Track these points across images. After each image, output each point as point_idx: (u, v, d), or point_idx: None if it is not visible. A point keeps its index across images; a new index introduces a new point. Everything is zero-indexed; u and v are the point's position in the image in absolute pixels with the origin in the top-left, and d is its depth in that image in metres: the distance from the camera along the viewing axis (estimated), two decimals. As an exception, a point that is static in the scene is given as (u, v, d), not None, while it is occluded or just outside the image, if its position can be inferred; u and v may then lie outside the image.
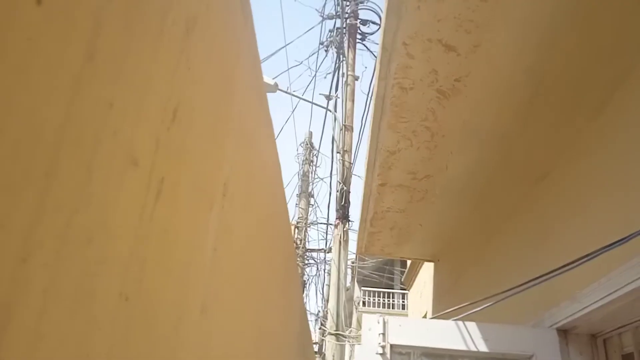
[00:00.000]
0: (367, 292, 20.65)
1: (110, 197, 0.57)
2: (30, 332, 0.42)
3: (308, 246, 14.55)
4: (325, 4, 11.41)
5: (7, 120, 0.39)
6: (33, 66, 0.42)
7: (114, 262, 0.58)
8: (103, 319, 0.55)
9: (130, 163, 0.63)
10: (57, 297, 0.46)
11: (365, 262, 17.33)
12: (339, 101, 9.84)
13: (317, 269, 14.33)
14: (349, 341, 8.68)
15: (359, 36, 9.90)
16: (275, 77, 10.44)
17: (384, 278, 20.46)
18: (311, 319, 13.90)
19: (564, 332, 2.33)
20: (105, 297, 0.56)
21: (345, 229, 8.49)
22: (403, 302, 19.83)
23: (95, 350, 0.53)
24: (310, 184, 14.94)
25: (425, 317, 5.32)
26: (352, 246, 8.24)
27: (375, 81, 2.39)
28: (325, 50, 11.01)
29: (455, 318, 2.53)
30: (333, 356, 8.14)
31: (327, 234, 13.57)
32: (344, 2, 10.01)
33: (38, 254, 0.43)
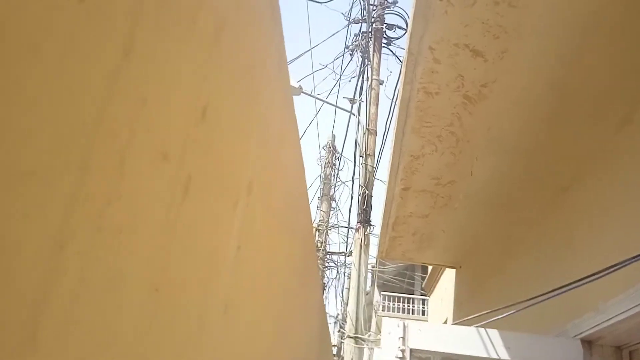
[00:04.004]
0: (387, 297, 20.55)
1: (140, 191, 0.59)
2: (65, 316, 0.44)
3: (329, 249, 14.55)
4: (351, 8, 11.44)
5: (47, 113, 0.41)
6: (73, 61, 0.43)
7: (143, 253, 0.60)
8: (133, 307, 0.57)
9: (161, 158, 0.65)
10: (90, 284, 0.48)
11: (385, 267, 17.24)
12: (363, 105, 9.84)
13: (337, 272, 14.32)
14: (367, 345, 8.65)
15: (384, 40, 9.89)
16: (300, 80, 10.48)
17: (405, 283, 20.31)
18: (330, 321, 13.88)
19: (588, 343, 2.29)
20: (136, 286, 0.58)
21: (366, 233, 8.47)
22: (423, 307, 19.66)
23: (124, 337, 0.55)
24: (332, 187, 14.95)
25: (445, 323, 5.28)
26: (373, 250, 8.23)
27: (400, 85, 2.39)
28: (350, 54, 11.02)
29: (476, 325, 2.51)
30: (351, 359, 8.12)
31: (347, 238, 13.56)
32: (371, 7, 10.01)
33: (73, 242, 0.45)
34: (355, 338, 8.08)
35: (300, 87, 9.92)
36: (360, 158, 8.98)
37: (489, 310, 2.61)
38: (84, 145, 0.47)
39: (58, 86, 0.42)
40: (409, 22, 2.13)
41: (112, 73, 0.50)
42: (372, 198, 8.61)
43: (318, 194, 14.95)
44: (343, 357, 8.97)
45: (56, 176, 0.43)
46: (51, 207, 0.42)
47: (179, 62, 0.70)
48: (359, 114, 9.93)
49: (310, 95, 11.07)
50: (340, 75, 12.12)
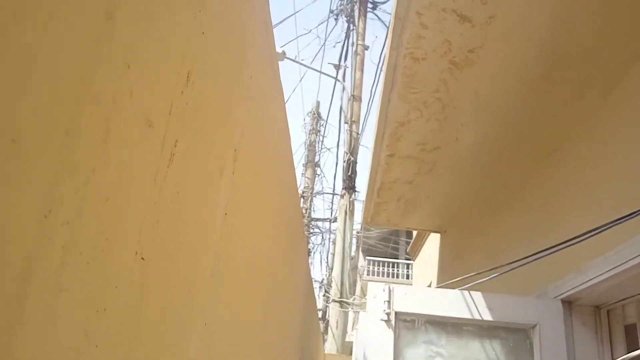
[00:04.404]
0: (371, 262, 20.81)
1: (126, 157, 0.58)
2: (52, 285, 0.43)
3: (314, 215, 14.63)
4: (336, -30, 11.18)
5: (31, 78, 0.40)
6: (56, 23, 0.42)
7: (129, 221, 0.59)
8: (120, 276, 0.57)
9: (146, 124, 0.63)
10: (76, 253, 0.47)
11: (370, 232, 17.42)
12: (348, 71, 9.76)
13: (322, 238, 14.45)
14: (352, 308, 8.82)
15: (370, 5, 9.75)
16: (283, 45, 10.31)
17: (389, 248, 20.56)
18: (315, 286, 14.07)
19: (568, 303, 2.35)
20: (122, 255, 0.57)
21: (351, 199, 8.53)
22: (407, 272, 19.96)
23: (112, 305, 0.55)
24: (317, 153, 14.92)
25: (429, 287, 5.38)
26: (358, 216, 8.31)
27: (386, 51, 2.36)
28: (335, 19, 10.86)
29: (460, 288, 2.56)
30: (337, 322, 8.28)
31: (332, 204, 13.64)
32: (356, -31, 9.82)
33: (59, 211, 0.44)
34: (340, 302, 8.23)
35: (284, 53, 9.79)
36: (345, 125, 8.95)
37: (472, 274, 2.66)
38: (69, 112, 0.46)
39: (41, 52, 0.41)
40: (396, -15, 2.09)
41: (96, 37, 0.48)
42: (357, 164, 8.63)
43: (303, 161, 14.93)
44: (328, 321, 9.14)
45: (41, 144, 0.42)
46: (36, 175, 0.42)
47: (163, 26, 0.68)
48: (344, 80, 9.86)
49: (294, 60, 10.93)
50: (325, 41, 11.98)
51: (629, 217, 1.75)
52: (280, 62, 9.55)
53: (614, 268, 1.93)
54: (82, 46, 0.46)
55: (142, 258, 0.63)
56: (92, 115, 0.49)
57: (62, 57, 0.43)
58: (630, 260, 1.84)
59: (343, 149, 8.96)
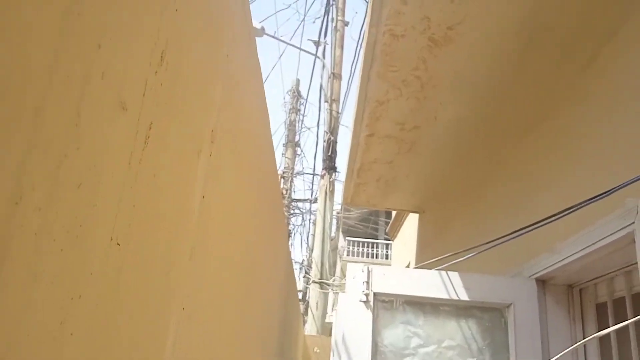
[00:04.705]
0: (351, 242, 20.96)
1: (99, 141, 0.56)
2: (25, 273, 0.42)
3: (294, 196, 14.64)
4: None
5: (-7, 58, 0.38)
6: (23, 1, 0.40)
7: (104, 206, 0.58)
8: (95, 262, 0.56)
9: (119, 107, 0.62)
10: (49, 240, 0.46)
11: (350, 213, 17.51)
12: (328, 48, 9.68)
13: (303, 218, 14.48)
14: (332, 289, 8.89)
15: (349, -19, 9.63)
16: (262, 20, 10.17)
17: (369, 228, 20.73)
18: (296, 267, 14.14)
19: (542, 282, 2.40)
20: (97, 241, 0.56)
21: (331, 180, 8.54)
22: (387, 252, 20.16)
23: (88, 291, 0.54)
24: (297, 133, 14.87)
25: (408, 267, 5.44)
26: (338, 197, 8.34)
27: (366, 27, 2.34)
28: (315, -5, 10.72)
29: (437, 268, 2.59)
30: (317, 303, 8.35)
31: (313, 185, 13.67)
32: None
33: (30, 197, 0.43)
34: (320, 283, 8.29)
35: (263, 29, 9.65)
36: (326, 103, 8.92)
37: (450, 254, 2.69)
38: (37, 94, 0.44)
39: (6, 29, 0.39)
40: (375, -39, 2.06)
41: (64, 14, 0.46)
42: (337, 144, 8.63)
43: (283, 141, 14.87)
44: (308, 302, 9.21)
45: (8, 127, 0.40)
46: (4, 161, 0.40)
47: (135, 3, 0.66)
48: (324, 57, 9.79)
49: (273, 37, 10.81)
50: (305, 16, 11.85)
51: (599, 197, 1.78)
52: (258, 39, 9.42)
53: (586, 247, 1.97)
54: (48, 24, 0.44)
55: (118, 244, 0.61)
56: (62, 98, 0.47)
57: (27, 35, 0.41)
58: (602, 239, 1.87)
59: (323, 128, 8.94)
